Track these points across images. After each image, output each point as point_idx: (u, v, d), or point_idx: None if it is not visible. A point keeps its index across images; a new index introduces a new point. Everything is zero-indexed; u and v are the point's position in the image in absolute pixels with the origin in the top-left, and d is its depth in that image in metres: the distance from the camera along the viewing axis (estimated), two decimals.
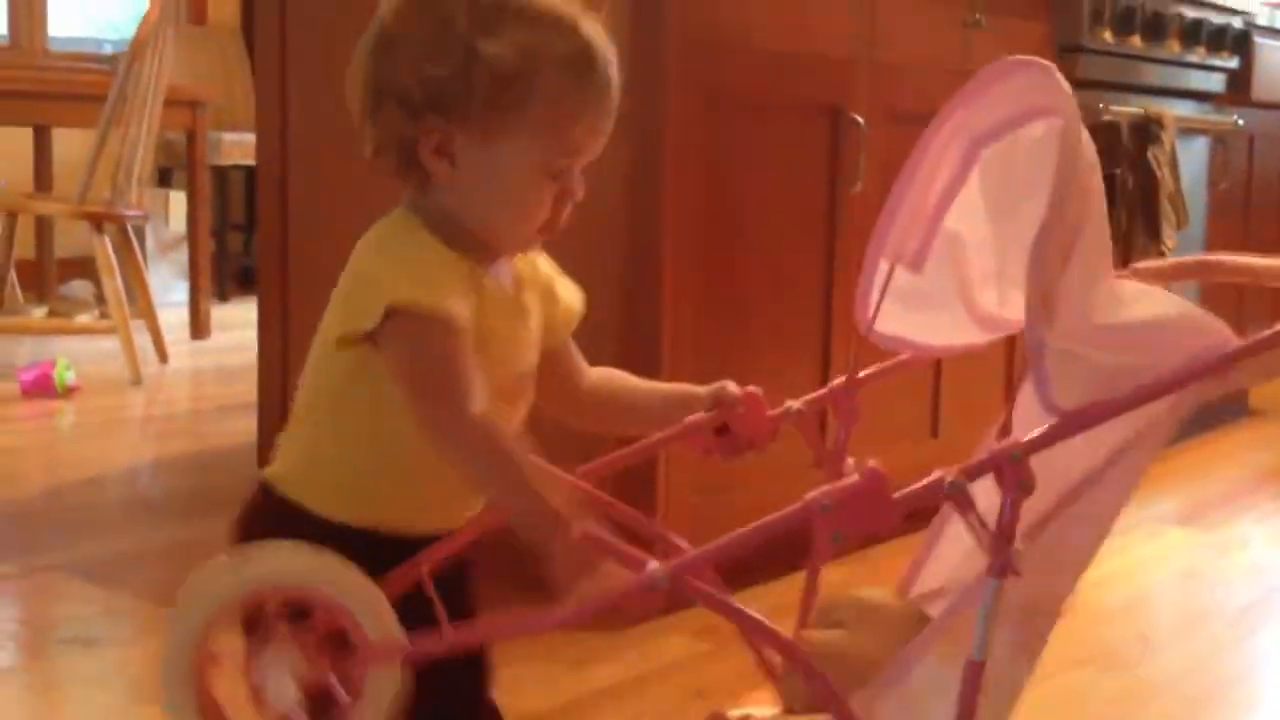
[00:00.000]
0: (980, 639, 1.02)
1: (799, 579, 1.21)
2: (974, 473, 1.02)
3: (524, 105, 1.01)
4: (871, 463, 1.02)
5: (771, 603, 1.18)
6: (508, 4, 1.01)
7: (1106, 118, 3.01)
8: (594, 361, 1.20)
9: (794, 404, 1.35)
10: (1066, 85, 1.05)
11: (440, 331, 0.96)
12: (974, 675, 1.01)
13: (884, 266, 1.31)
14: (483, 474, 0.98)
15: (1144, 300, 1.08)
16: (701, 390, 1.19)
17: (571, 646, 1.98)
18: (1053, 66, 1.09)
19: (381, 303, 0.96)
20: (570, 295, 1.16)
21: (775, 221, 2.26)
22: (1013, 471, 1.03)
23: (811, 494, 1.00)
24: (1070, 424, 1.04)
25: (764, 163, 2.23)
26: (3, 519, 2.56)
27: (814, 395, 1.36)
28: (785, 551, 1.12)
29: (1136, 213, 3.11)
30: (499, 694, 1.86)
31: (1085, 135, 1.04)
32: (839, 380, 1.32)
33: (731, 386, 1.18)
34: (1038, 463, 1.04)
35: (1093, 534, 1.07)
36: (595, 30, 1.04)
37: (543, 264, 1.14)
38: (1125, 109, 3.09)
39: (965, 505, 1.01)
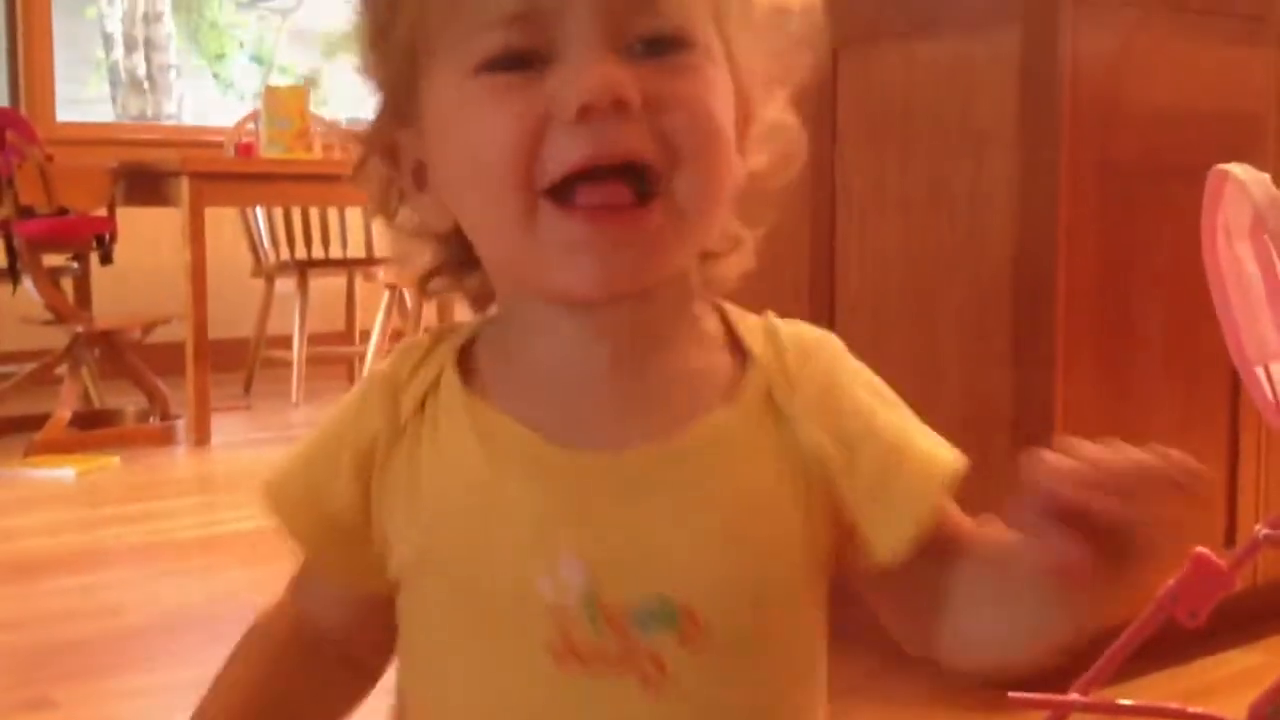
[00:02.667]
0: None
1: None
2: None
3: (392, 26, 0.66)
4: (1198, 549, 1.26)
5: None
6: None
7: None
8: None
9: (1262, 529, 1.46)
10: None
11: None
12: None
13: (1260, 372, 1.47)
14: None
15: None
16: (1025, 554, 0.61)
17: None
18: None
19: None
20: (917, 467, 0.65)
21: (1176, 295, 2.09)
22: None
23: (1160, 591, 1.27)
24: None
25: (1162, 232, 2.07)
26: None
27: None
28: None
29: None
30: None
31: None
32: None
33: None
34: None
35: None
36: None
37: (815, 365, 0.65)
38: None
39: None
